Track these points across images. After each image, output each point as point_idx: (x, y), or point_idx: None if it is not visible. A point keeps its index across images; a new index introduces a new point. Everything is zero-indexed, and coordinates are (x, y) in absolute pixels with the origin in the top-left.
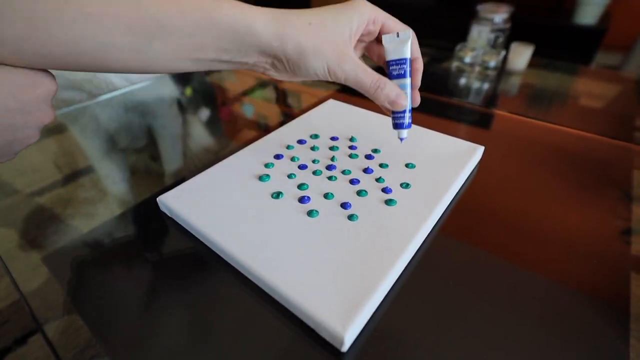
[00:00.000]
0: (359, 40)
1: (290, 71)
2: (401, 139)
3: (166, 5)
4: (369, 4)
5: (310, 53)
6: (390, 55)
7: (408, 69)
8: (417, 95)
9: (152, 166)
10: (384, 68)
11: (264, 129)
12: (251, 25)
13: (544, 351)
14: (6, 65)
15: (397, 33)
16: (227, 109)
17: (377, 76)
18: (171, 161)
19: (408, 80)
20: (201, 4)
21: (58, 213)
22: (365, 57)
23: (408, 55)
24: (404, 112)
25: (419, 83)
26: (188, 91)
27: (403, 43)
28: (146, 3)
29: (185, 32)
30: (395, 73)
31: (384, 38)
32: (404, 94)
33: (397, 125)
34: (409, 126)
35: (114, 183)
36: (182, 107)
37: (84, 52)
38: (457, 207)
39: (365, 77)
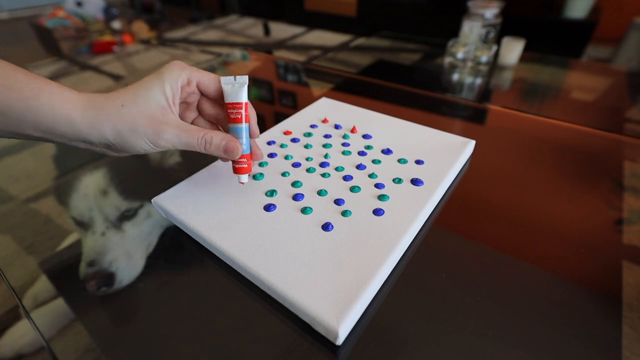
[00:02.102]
0: (186, 103)
1: (121, 151)
2: (241, 183)
3: None
4: (179, 66)
5: (128, 134)
6: (228, 98)
7: (244, 113)
8: (257, 150)
9: (146, 168)
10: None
11: (260, 129)
12: (70, 116)
13: (537, 340)
14: None
15: (235, 77)
16: None
17: (201, 132)
18: (166, 162)
19: (244, 126)
20: (19, 89)
21: (54, 218)
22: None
23: (244, 100)
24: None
25: (256, 131)
26: None
27: (240, 86)
28: None
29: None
30: (232, 117)
31: (223, 80)
32: (236, 140)
33: (237, 170)
34: (248, 171)
35: (108, 185)
36: None
37: None
38: (450, 201)
39: (190, 138)
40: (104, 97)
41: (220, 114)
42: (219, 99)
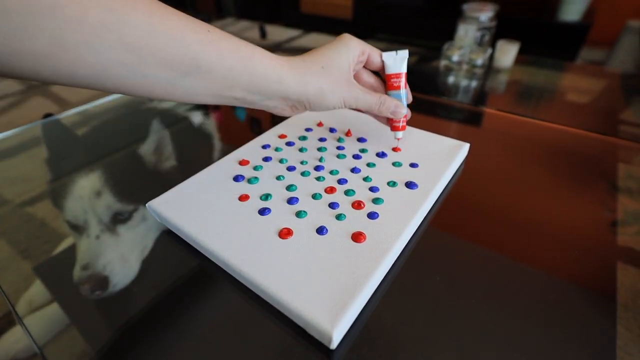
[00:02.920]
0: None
1: (308, 109)
2: (397, 139)
3: (207, 47)
4: (356, 38)
5: (329, 92)
6: (390, 70)
7: (404, 81)
8: (409, 112)
9: (141, 171)
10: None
11: (257, 132)
12: (280, 74)
13: (532, 341)
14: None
15: (396, 51)
16: (219, 112)
17: (378, 95)
18: (161, 166)
19: (404, 92)
20: (237, 51)
21: (49, 222)
22: None
23: (404, 70)
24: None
25: (410, 97)
26: None
27: (402, 59)
28: (187, 41)
29: (219, 74)
30: (394, 85)
31: (385, 55)
32: (401, 104)
33: (395, 128)
34: (404, 129)
35: (103, 189)
36: (175, 111)
37: (110, 78)
38: (444, 204)
39: (371, 98)
40: (303, 60)
41: (374, 83)
42: (378, 70)
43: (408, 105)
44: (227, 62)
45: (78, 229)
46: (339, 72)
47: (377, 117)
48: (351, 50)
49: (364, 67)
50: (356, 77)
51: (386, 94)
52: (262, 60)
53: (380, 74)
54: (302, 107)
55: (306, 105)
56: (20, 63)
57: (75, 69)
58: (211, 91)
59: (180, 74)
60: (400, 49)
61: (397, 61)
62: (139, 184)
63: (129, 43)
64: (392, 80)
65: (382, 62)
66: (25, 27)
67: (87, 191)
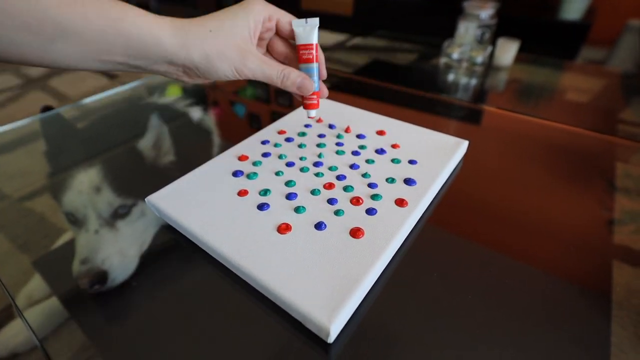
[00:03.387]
0: (260, 39)
1: (201, 76)
2: (310, 117)
3: (67, 9)
4: (262, 2)
5: (216, 58)
6: (300, 40)
7: (314, 54)
8: (324, 88)
9: (140, 166)
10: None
11: (256, 128)
12: (157, 37)
13: (528, 339)
14: None
15: (306, 20)
16: (218, 108)
17: (281, 67)
18: (160, 161)
19: (315, 65)
20: (107, 12)
21: (48, 216)
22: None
23: (315, 41)
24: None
25: (324, 72)
26: (172, 90)
27: (312, 28)
28: (45, 4)
29: (89, 37)
30: (304, 57)
31: (294, 23)
32: (309, 78)
33: (307, 106)
34: (317, 107)
35: (102, 184)
36: (174, 107)
37: None
38: (442, 200)
39: (271, 70)
40: (189, 22)
41: (289, 54)
42: (291, 39)
43: (325, 82)
44: (94, 25)
45: (77, 223)
46: (232, 37)
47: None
48: (252, 15)
49: (278, 35)
50: (269, 46)
51: (298, 67)
52: (136, 21)
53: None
54: (195, 74)
55: (195, 71)
56: None
57: None
58: (87, 56)
59: (46, 38)
60: (310, 21)
61: (307, 31)
62: (137, 179)
63: None
64: (302, 52)
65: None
66: None
67: (86, 186)
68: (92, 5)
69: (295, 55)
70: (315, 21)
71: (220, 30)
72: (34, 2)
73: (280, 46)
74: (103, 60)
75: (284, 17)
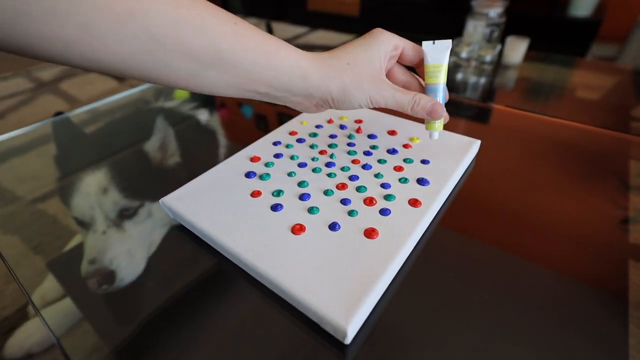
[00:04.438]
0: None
1: (334, 107)
2: (433, 138)
3: (230, 40)
4: (388, 33)
5: (353, 90)
6: (430, 60)
7: (444, 74)
8: (446, 112)
9: (149, 169)
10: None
11: (264, 129)
12: (304, 70)
13: (544, 339)
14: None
15: (434, 41)
16: (225, 110)
17: (411, 93)
18: (166, 163)
19: (442, 86)
20: (262, 45)
21: (60, 218)
22: None
23: (446, 62)
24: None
25: (447, 95)
26: (180, 93)
27: (445, 49)
28: (212, 34)
29: (243, 68)
30: (433, 77)
31: (424, 44)
32: (439, 102)
33: (431, 127)
34: (440, 127)
35: (110, 185)
36: (182, 109)
37: (134, 66)
38: (455, 200)
39: (403, 98)
40: (329, 56)
41: (409, 81)
42: (414, 66)
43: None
44: (251, 56)
45: (85, 225)
46: (367, 68)
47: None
48: (382, 45)
49: (399, 62)
50: (389, 74)
51: (424, 88)
52: (287, 56)
53: (416, 70)
54: (327, 105)
55: (330, 103)
56: (50, 47)
57: (101, 56)
58: (234, 84)
59: (204, 65)
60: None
61: (438, 50)
62: (145, 181)
63: (153, 33)
64: (432, 71)
65: (422, 51)
66: (55, 13)
67: (94, 188)
68: (251, 38)
69: (415, 82)
70: (447, 43)
71: (357, 63)
72: (203, 31)
73: (400, 74)
74: (246, 89)
75: (408, 45)
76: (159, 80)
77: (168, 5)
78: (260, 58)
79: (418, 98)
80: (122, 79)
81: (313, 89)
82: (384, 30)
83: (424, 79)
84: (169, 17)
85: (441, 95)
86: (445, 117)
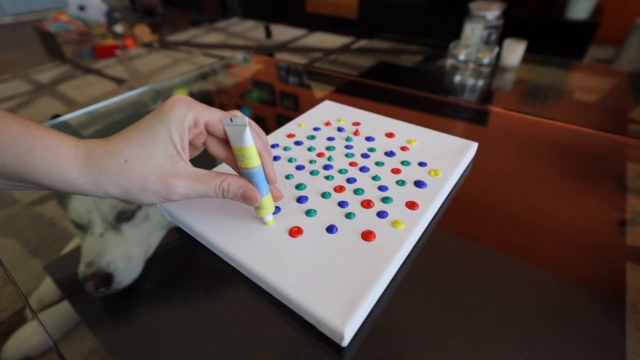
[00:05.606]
0: (192, 144)
1: (131, 203)
2: (267, 222)
3: None
4: (183, 107)
5: (137, 193)
6: (233, 142)
7: (253, 157)
8: (278, 192)
9: None
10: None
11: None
12: (68, 174)
13: (541, 341)
14: None
15: (231, 118)
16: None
17: (219, 179)
18: None
19: (256, 169)
20: (12, 144)
21: (58, 221)
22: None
23: (249, 144)
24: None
25: (273, 176)
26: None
27: (242, 129)
28: None
29: None
30: (241, 161)
31: (224, 122)
32: (253, 187)
33: (259, 212)
34: (277, 211)
35: None
36: None
37: None
38: (453, 203)
39: (205, 188)
40: (103, 151)
41: (230, 154)
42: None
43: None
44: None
45: (83, 227)
46: (151, 166)
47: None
48: (175, 126)
49: (213, 136)
50: (208, 148)
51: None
52: (45, 157)
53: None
54: (125, 202)
55: (124, 200)
56: None
57: None
58: (8, 182)
59: None
60: (238, 118)
61: (237, 131)
62: None
63: None
64: (237, 155)
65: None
66: None
67: None
68: (2, 133)
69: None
70: (244, 120)
71: (137, 158)
72: None
73: (216, 148)
74: (13, 184)
75: (213, 116)
76: None
77: None
78: (7, 160)
79: (226, 184)
80: (121, 81)
81: (87, 192)
82: (182, 101)
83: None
84: None
85: (259, 178)
86: (277, 196)
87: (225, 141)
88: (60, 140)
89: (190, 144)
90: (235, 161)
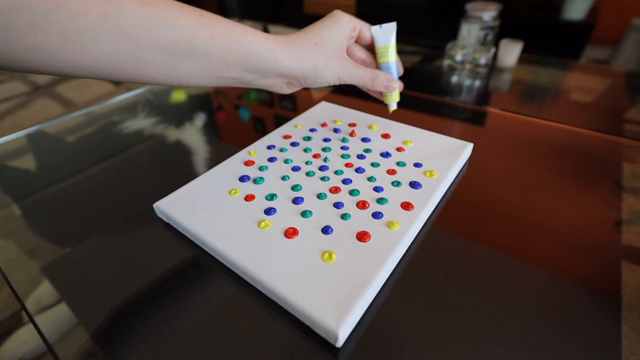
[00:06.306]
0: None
1: (304, 85)
2: (392, 110)
3: (200, 30)
4: (348, 15)
5: (323, 68)
6: (379, 43)
7: (393, 53)
8: (401, 83)
9: (145, 172)
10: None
11: (260, 132)
12: (274, 52)
13: (537, 341)
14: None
15: (380, 25)
16: (223, 112)
17: (371, 70)
18: (164, 166)
19: (394, 63)
20: (230, 31)
21: (56, 222)
22: None
23: (392, 42)
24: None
25: (401, 69)
26: (176, 96)
27: (390, 31)
28: (182, 26)
29: (215, 55)
30: (383, 57)
31: (373, 29)
32: (392, 77)
33: (390, 99)
34: (397, 98)
35: (109, 190)
36: (179, 112)
37: (114, 66)
38: (448, 203)
39: (365, 74)
40: (297, 37)
41: (367, 58)
42: (370, 45)
43: (401, 78)
44: (220, 43)
45: (83, 229)
46: (332, 48)
47: (370, 90)
48: (343, 27)
49: (356, 42)
50: (349, 52)
51: (377, 67)
52: (255, 39)
53: (372, 48)
54: (299, 84)
55: (302, 81)
56: (36, 56)
57: (83, 60)
58: (209, 72)
59: (177, 57)
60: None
61: (385, 33)
62: (141, 184)
63: (126, 32)
64: (381, 52)
65: (371, 36)
66: (37, 24)
67: (91, 192)
68: (218, 26)
69: (371, 60)
70: (392, 25)
71: (324, 43)
72: (171, 24)
73: (359, 52)
74: (220, 76)
75: (365, 26)
76: (138, 77)
77: (136, 6)
78: (229, 44)
79: (376, 74)
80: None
81: (285, 69)
82: (344, 13)
83: (376, 59)
84: (137, 15)
85: (394, 71)
86: (400, 86)
87: (363, 48)
88: (258, 32)
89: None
90: (371, 64)
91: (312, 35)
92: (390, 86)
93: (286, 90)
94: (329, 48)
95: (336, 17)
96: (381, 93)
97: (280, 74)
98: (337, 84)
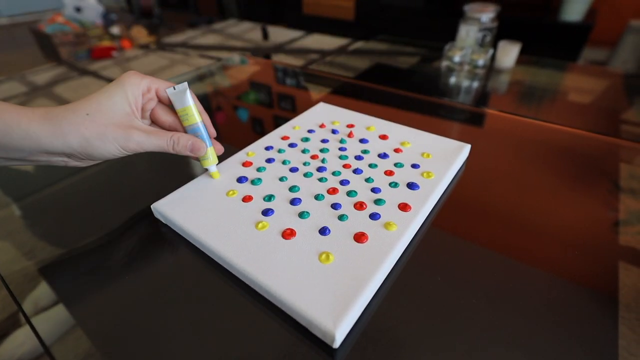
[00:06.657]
0: (143, 110)
1: (86, 159)
2: (212, 173)
3: None
4: (137, 75)
5: (96, 140)
6: (176, 106)
7: (195, 114)
8: (217, 144)
9: (145, 173)
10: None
11: (259, 132)
12: (26, 129)
13: (534, 341)
14: None
15: (174, 86)
16: (222, 113)
17: (169, 134)
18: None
19: (198, 125)
20: None
21: (54, 224)
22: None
23: (190, 103)
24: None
25: (212, 130)
26: None
27: (183, 92)
28: None
29: None
30: (185, 120)
31: (168, 92)
32: (199, 139)
33: (205, 163)
34: (215, 161)
35: (107, 191)
36: None
37: None
38: (446, 204)
39: (159, 140)
40: (64, 109)
41: (174, 121)
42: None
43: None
44: None
45: (81, 230)
46: (110, 117)
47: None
48: (130, 89)
49: (161, 102)
50: (154, 115)
51: (184, 130)
52: (2, 116)
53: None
54: (80, 159)
55: (78, 156)
56: None
57: None
58: None
59: None
60: (180, 82)
61: (179, 95)
62: (139, 184)
63: None
64: (182, 116)
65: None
66: None
67: (88, 193)
68: None
69: (178, 122)
70: (184, 85)
71: (98, 112)
72: None
73: (164, 114)
74: None
75: (162, 85)
76: None
77: None
78: None
79: (177, 138)
80: None
81: (46, 145)
82: (136, 73)
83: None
84: None
85: (203, 133)
86: (218, 148)
87: (169, 108)
88: (18, 106)
89: (143, 109)
90: (180, 126)
91: (86, 105)
92: (195, 148)
93: (76, 163)
94: (107, 117)
95: (123, 81)
96: (198, 159)
97: (45, 151)
98: (126, 154)
